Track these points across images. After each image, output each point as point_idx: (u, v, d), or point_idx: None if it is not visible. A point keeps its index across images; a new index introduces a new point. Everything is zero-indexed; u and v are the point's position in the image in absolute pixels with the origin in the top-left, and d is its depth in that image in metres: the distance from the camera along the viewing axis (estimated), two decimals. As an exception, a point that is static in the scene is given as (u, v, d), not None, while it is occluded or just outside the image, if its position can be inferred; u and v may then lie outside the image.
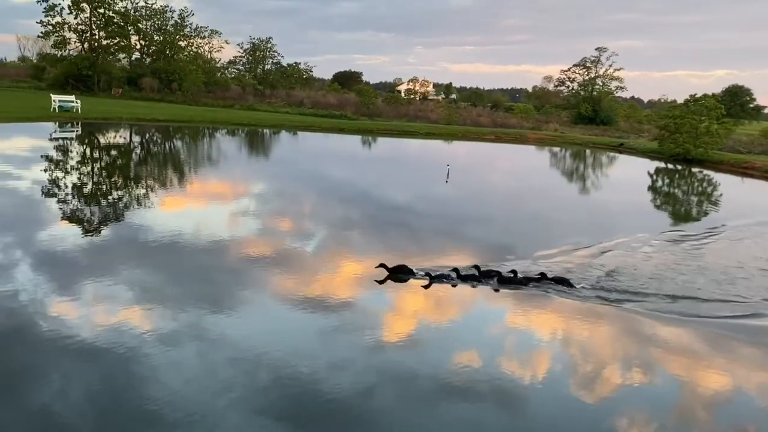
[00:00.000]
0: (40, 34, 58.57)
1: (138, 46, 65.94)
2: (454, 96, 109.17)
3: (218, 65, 74.84)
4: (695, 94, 38.45)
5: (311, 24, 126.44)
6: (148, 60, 66.75)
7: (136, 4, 63.32)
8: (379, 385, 6.38)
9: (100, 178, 19.99)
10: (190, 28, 68.49)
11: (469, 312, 9.19)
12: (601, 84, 69.39)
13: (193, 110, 48.38)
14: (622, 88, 69.49)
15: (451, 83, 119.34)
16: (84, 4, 57.59)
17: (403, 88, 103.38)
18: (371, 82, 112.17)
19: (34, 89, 58.13)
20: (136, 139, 33.25)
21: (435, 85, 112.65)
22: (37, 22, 58.84)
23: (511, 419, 6.14)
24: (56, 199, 15.54)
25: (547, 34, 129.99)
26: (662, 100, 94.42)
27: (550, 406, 6.40)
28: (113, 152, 27.36)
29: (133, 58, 66.43)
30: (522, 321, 8.82)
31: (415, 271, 9.90)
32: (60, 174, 19.52)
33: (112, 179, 20.08)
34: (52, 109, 37.39)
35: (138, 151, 29.00)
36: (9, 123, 32.70)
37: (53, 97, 38.61)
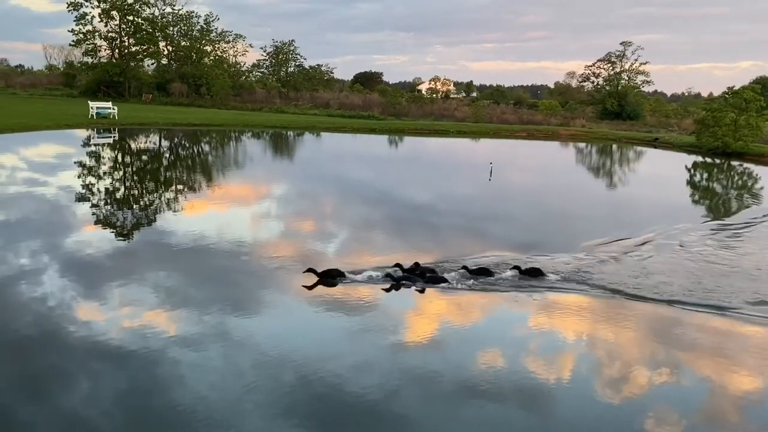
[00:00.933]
0: (72, 43, 59.43)
1: (165, 52, 66.51)
2: (474, 94, 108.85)
3: (243, 69, 75.37)
4: (733, 87, 37.89)
5: (329, 26, 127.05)
6: (175, 65, 67.33)
7: (163, 10, 63.98)
8: (403, 386, 6.32)
9: (145, 182, 20.15)
10: (215, 32, 69.01)
11: (492, 312, 9.00)
12: (626, 78, 68.63)
13: (225, 114, 48.68)
14: (648, 82, 68.65)
15: (471, 81, 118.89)
16: (114, 12, 58.27)
17: (424, 87, 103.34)
18: (390, 82, 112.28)
19: (67, 96, 58.89)
20: (176, 143, 33.50)
21: (455, 84, 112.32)
22: (68, 31, 59.76)
23: (536, 420, 6.00)
24: (92, 203, 15.73)
25: (565, 30, 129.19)
26: (688, 94, 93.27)
27: (576, 407, 6.26)
28: (157, 156, 27.59)
29: (160, 64, 66.96)
30: (546, 320, 8.58)
31: (346, 274, 9.40)
32: (106, 178, 19.73)
33: (158, 182, 20.23)
34: (90, 116, 37.82)
35: (180, 154, 29.22)
36: (51, 130, 33.13)
37: (91, 104, 39.06)
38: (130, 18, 59.18)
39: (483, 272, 9.98)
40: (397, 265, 9.71)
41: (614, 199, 22.37)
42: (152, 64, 66.83)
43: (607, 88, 68.77)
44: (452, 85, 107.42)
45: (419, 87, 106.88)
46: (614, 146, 43.39)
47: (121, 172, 21.95)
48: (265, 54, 79.72)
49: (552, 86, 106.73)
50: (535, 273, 10.05)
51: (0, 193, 16.03)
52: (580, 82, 75.47)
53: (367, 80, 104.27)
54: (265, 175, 23.41)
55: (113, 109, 39.01)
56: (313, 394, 5.99)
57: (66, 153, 26.89)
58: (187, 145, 32.93)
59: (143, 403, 5.68)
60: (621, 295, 9.42)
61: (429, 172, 26.40)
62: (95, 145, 30.35)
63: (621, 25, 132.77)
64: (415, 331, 7.84)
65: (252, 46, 75.16)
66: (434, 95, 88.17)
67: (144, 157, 27.18)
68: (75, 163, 23.44)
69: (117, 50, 59.87)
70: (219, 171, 23.56)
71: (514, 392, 6.32)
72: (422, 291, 9.21)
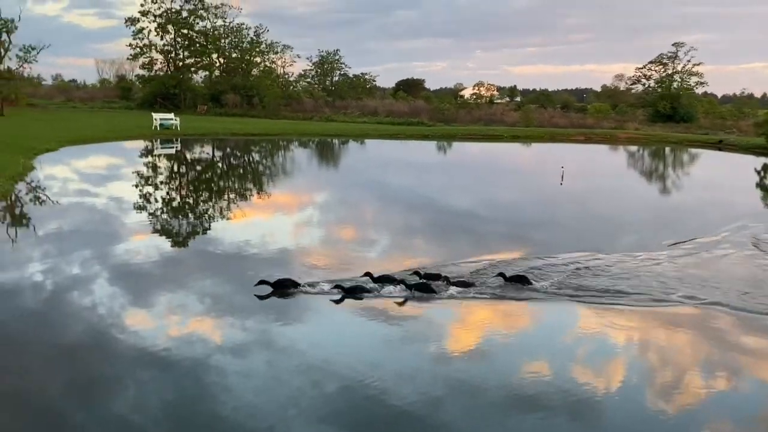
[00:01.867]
0: (129, 56, 61.20)
1: (217, 64, 67.88)
2: (518, 99, 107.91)
3: (290, 79, 76.39)
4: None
5: (369, 34, 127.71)
6: (226, 76, 68.61)
7: (215, 23, 65.36)
8: (446, 395, 6.20)
9: (214, 190, 20.56)
10: (265, 44, 70.13)
11: (537, 321, 8.72)
12: (679, 80, 67.09)
13: (279, 124, 49.41)
14: (702, 83, 66.95)
15: (515, 86, 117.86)
16: (169, 26, 59.79)
17: (467, 92, 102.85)
18: (431, 89, 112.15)
19: (125, 109, 60.64)
20: (238, 152, 34.10)
21: (498, 89, 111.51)
22: (126, 45, 61.53)
23: (584, 430, 5.83)
24: (152, 211, 16.15)
25: (610, 32, 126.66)
26: (741, 95, 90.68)
27: (627, 417, 6.02)
28: (219, 165, 28.17)
29: (213, 76, 68.35)
30: (594, 328, 8.28)
31: (300, 284, 9.08)
32: (172, 186, 20.22)
33: (227, 190, 20.62)
34: (154, 127, 38.87)
35: (243, 163, 29.73)
36: (119, 141, 34.18)
37: (154, 115, 40.15)
38: (185, 31, 60.63)
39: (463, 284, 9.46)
40: (367, 273, 9.26)
41: (694, 201, 21.88)
42: (204, 76, 68.36)
43: (659, 90, 67.34)
44: (495, 90, 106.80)
45: (461, 92, 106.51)
46: (678, 149, 42.38)
47: (184, 181, 22.47)
48: (310, 64, 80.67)
49: (597, 89, 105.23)
50: (520, 280, 9.54)
51: (81, 198, 16.62)
52: (630, 85, 74.15)
53: (410, 87, 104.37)
54: (339, 182, 23.63)
55: (176, 120, 40.03)
56: (356, 403, 5.95)
57: (136, 162, 27.67)
58: (250, 154, 33.48)
59: (190, 409, 5.73)
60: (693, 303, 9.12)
61: (500, 178, 26.27)
62: (160, 155, 31.15)
63: (669, 25, 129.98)
64: (457, 340, 7.73)
65: (299, 56, 76.06)
66: (479, 100, 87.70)
67: (207, 166, 27.76)
68: (142, 171, 24.10)
69: (172, 63, 61.34)
70: (284, 179, 23.90)
71: (562, 402, 6.12)
72: (339, 301, 8.75)
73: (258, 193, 20.29)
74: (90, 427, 5.42)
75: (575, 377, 6.69)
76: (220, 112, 58.82)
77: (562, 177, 23.36)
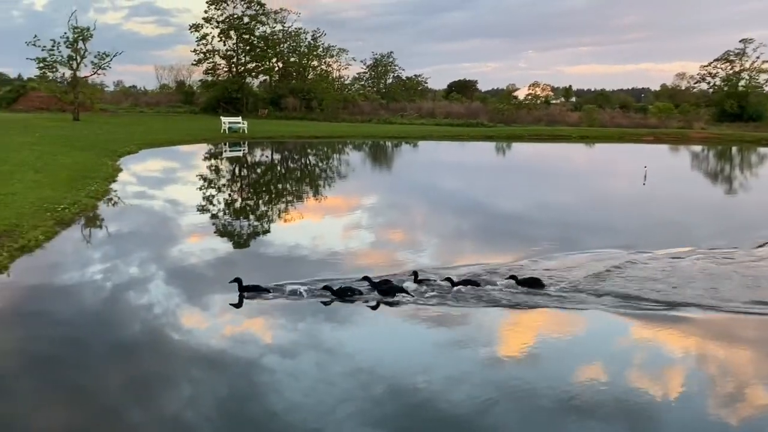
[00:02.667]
0: (194, 62, 62.61)
1: (276, 68, 68.82)
2: (573, 99, 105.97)
3: (346, 82, 76.87)
4: None
5: (418, 36, 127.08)
6: (284, 80, 69.51)
7: (274, 28, 66.25)
8: (497, 400, 5.98)
9: (283, 191, 20.69)
10: (322, 47, 70.73)
11: (590, 325, 8.28)
12: (747, 78, 64.55)
13: (340, 126, 49.77)
14: (772, 81, 64.16)
15: (570, 86, 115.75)
16: (231, 32, 60.99)
17: (522, 93, 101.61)
18: (482, 90, 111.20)
19: (189, 113, 62.12)
20: (306, 154, 34.40)
21: (552, 89, 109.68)
22: (191, 51, 62.94)
23: None
24: (220, 211, 16.30)
25: (666, 30, 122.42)
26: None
27: (686, 426, 5.70)
28: (291, 166, 28.44)
29: (272, 80, 69.34)
30: (649, 335, 7.82)
31: (269, 288, 8.70)
32: (242, 186, 20.47)
33: (302, 190, 20.74)
34: (222, 131, 39.65)
35: (312, 164, 29.94)
36: (191, 144, 35.02)
37: (223, 119, 40.97)
38: (246, 36, 61.70)
39: (534, 283, 9.11)
40: (366, 278, 8.96)
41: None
42: (263, 80, 69.38)
43: (725, 88, 64.95)
44: (550, 91, 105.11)
45: (515, 93, 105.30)
46: (751, 149, 40.74)
47: (260, 182, 22.74)
48: (364, 67, 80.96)
49: (654, 89, 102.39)
50: (533, 284, 9.11)
51: (167, 198, 17.00)
52: (694, 83, 71.74)
53: (462, 88, 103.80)
54: (414, 183, 23.54)
55: (243, 123, 40.76)
56: (405, 406, 5.84)
57: (213, 163, 28.23)
58: (319, 156, 33.72)
59: (241, 408, 5.73)
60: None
61: (579, 178, 25.69)
62: (231, 157, 31.69)
63: (728, 21, 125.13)
64: (508, 345, 7.48)
65: (355, 59, 76.42)
66: (535, 101, 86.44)
67: (278, 168, 28.07)
68: (221, 172, 24.54)
69: (234, 68, 62.52)
70: (354, 180, 23.95)
71: (617, 409, 5.88)
72: (375, 307, 8.44)
73: (331, 195, 20.36)
74: (146, 424, 5.51)
75: (630, 384, 6.43)
76: (279, 115, 59.61)
77: (645, 177, 22.69)
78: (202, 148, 33.82)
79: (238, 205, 17.72)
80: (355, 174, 25.90)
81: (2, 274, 9.39)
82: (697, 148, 41.17)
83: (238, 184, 21.93)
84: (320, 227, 14.48)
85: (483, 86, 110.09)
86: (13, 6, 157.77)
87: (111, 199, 16.39)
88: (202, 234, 13.23)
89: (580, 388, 6.23)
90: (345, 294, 8.59)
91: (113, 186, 18.32)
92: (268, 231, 14.07)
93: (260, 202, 18.56)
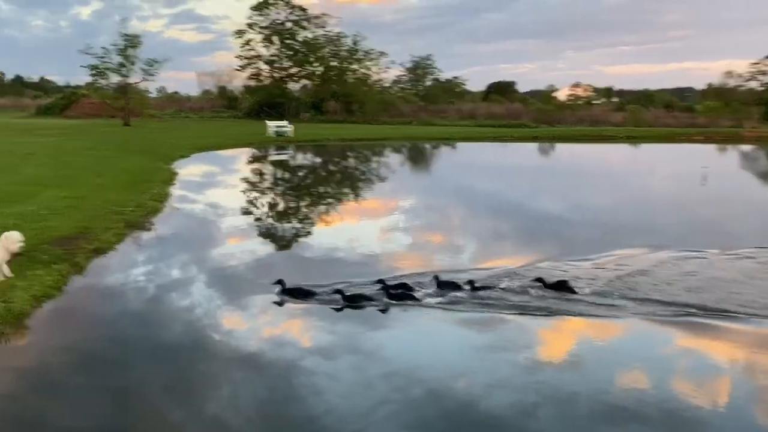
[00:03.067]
0: (238, 67, 63.55)
1: (317, 72, 69.32)
2: (615, 99, 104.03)
3: (386, 85, 76.96)
4: None
5: (456, 38, 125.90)
6: (325, 84, 69.97)
7: (315, 32, 66.80)
8: (538, 404, 5.75)
9: (328, 191, 20.66)
10: (362, 51, 70.96)
11: (633, 329, 7.82)
12: (801, 75, 62.36)
13: (384, 129, 49.84)
14: (828, 77, 61.87)
15: (612, 86, 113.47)
16: (274, 37, 61.71)
17: (563, 94, 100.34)
18: (521, 91, 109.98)
19: (233, 118, 63.00)
20: (354, 155, 34.43)
21: (593, 89, 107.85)
22: (235, 57, 63.94)
23: None
24: (266, 214, 16.31)
25: (711, 27, 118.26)
26: None
27: None
28: (340, 168, 28.49)
29: (313, 84, 69.87)
30: (694, 340, 7.45)
31: (313, 290, 8.46)
32: (284, 190, 20.50)
33: (346, 190, 20.68)
34: (269, 135, 40.05)
35: (362, 166, 29.92)
36: (240, 147, 35.41)
37: (269, 123, 41.41)
38: (288, 41, 62.32)
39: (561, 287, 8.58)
40: (380, 281, 8.56)
41: None
42: (303, 85, 69.97)
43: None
44: (592, 91, 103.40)
45: (554, 93, 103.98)
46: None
47: (310, 183, 22.78)
48: (403, 69, 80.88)
49: (699, 87, 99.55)
50: (560, 287, 8.55)
51: (225, 200, 17.14)
52: (743, 82, 69.53)
53: (501, 90, 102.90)
54: (471, 184, 23.31)
55: (290, 127, 41.11)
56: (444, 410, 5.67)
57: (258, 167, 28.47)
58: (364, 158, 33.72)
59: (280, 410, 5.70)
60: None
61: (638, 179, 25.05)
62: (278, 160, 31.93)
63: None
64: (549, 349, 7.23)
65: (394, 62, 76.40)
66: (576, 102, 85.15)
67: (331, 170, 28.13)
68: (275, 174, 24.71)
69: (277, 73, 63.21)
70: (400, 181, 23.82)
71: (662, 416, 5.60)
72: (384, 311, 8.12)
73: (391, 196, 20.27)
74: (187, 424, 5.49)
75: (674, 391, 6.14)
76: (321, 119, 60.01)
77: (705, 177, 22.01)
78: (251, 152, 34.17)
79: (297, 206, 17.78)
80: (408, 175, 25.80)
81: (80, 275, 9.53)
82: (748, 148, 39.86)
83: (293, 187, 22.04)
84: (384, 225, 14.38)
85: (521, 87, 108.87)
86: (61, 16, 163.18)
87: (173, 202, 16.60)
88: (262, 235, 13.35)
89: (622, 393, 6.04)
90: (356, 300, 8.28)
91: (172, 189, 18.57)
92: (330, 232, 14.04)
93: (321, 203, 18.58)
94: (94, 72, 46.59)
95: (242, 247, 12.15)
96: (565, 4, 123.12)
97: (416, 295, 8.45)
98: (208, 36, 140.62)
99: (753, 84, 66.66)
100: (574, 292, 8.49)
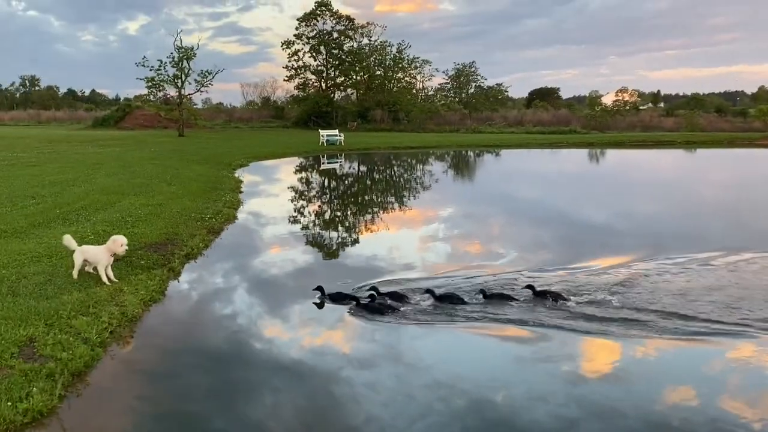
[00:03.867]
0: (286, 78, 64.33)
1: (363, 81, 69.67)
2: (661, 104, 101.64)
3: (430, 93, 76.79)
4: None
5: (496, 45, 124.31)
6: (371, 93, 70.23)
7: (360, 42, 67.17)
8: (580, 419, 5.52)
9: (388, 200, 20.44)
10: (407, 60, 70.98)
11: (679, 343, 7.29)
12: None
13: (433, 137, 49.71)
14: None
15: (659, 91, 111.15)
16: (321, 48, 62.22)
17: (608, 99, 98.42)
18: (564, 97, 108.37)
19: (282, 128, 63.64)
20: (413, 162, 34.25)
21: (639, 94, 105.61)
22: (283, 67, 64.71)
23: None
24: (313, 221, 15.95)
25: (759, 29, 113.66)
26: None
27: None
28: (402, 174, 28.33)
29: (359, 93, 70.22)
30: (746, 355, 6.95)
31: (354, 296, 8.36)
32: (332, 197, 20.34)
33: (405, 195, 20.45)
34: (321, 143, 40.26)
35: (423, 173, 29.73)
36: (293, 157, 35.65)
37: (321, 132, 41.69)
38: (335, 51, 62.74)
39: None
40: (373, 288, 8.49)
41: None
42: (349, 93, 70.33)
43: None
44: (638, 96, 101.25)
45: (600, 99, 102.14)
46: None
47: (371, 189, 22.64)
48: (447, 77, 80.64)
49: (750, 91, 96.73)
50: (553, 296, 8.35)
51: (292, 204, 17.11)
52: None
53: (544, 96, 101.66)
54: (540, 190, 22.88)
55: (340, 136, 41.27)
56: (485, 422, 5.51)
57: (316, 175, 28.53)
58: (417, 165, 33.52)
59: (322, 419, 5.59)
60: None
61: (720, 187, 24.30)
62: (331, 168, 31.99)
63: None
64: (592, 362, 6.90)
65: (438, 70, 76.27)
66: (624, 107, 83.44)
67: (384, 176, 27.99)
68: (332, 180, 24.68)
69: (324, 82, 63.67)
70: (459, 186, 23.47)
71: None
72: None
73: (461, 200, 20.00)
74: (229, 430, 5.41)
75: (724, 407, 5.78)
76: (368, 127, 60.13)
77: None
78: (305, 160, 34.37)
79: (366, 212, 17.68)
80: (471, 180, 25.49)
81: (176, 279, 9.56)
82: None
83: (357, 193, 21.95)
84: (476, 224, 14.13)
85: (565, 93, 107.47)
86: (110, 32, 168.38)
87: (247, 209, 16.70)
88: (332, 240, 13.25)
89: (669, 409, 5.76)
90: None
91: (242, 196, 18.71)
92: (409, 237, 13.85)
93: (386, 209, 18.44)
94: (149, 84, 47.60)
95: (322, 251, 12.08)
96: (608, 9, 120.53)
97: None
98: (250, 48, 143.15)
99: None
100: (565, 299, 8.33)
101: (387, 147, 41.17)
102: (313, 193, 21.80)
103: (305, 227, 14.97)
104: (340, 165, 33.24)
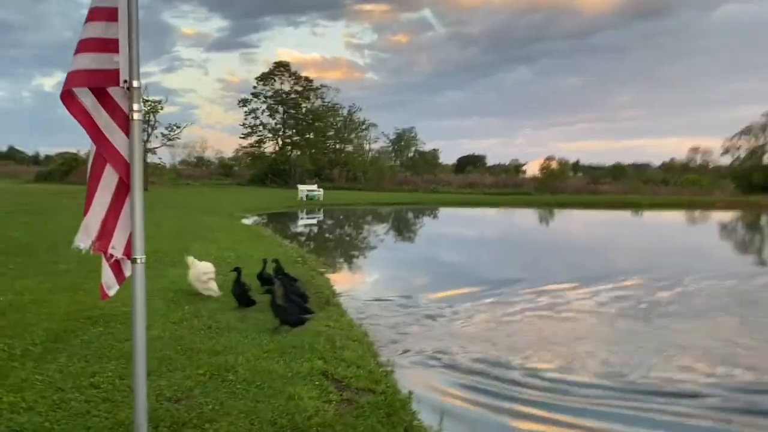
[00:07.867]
0: (242, 135, 62.25)
1: (318, 141, 68.71)
2: (580, 174, 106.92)
3: (375, 155, 76.88)
4: None
5: (420, 114, 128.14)
6: (325, 153, 69.18)
7: (313, 103, 66.49)
8: None
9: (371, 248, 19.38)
10: (357, 122, 70.95)
11: None
12: (772, 150, 65.26)
13: (400, 195, 49.08)
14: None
15: (578, 161, 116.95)
16: (279, 107, 61.07)
17: (535, 166, 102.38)
18: (487, 164, 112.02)
19: (236, 185, 60.87)
20: (393, 217, 33.18)
21: (560, 163, 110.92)
22: (239, 125, 62.72)
23: None
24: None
25: (662, 107, 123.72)
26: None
27: None
28: (393, 227, 27.22)
29: (312, 153, 69.13)
30: None
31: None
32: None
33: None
34: (299, 198, 38.66)
35: (406, 226, 28.71)
36: (279, 210, 33.76)
37: (300, 187, 40.21)
38: (292, 111, 61.78)
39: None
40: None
41: None
42: (306, 152, 68.98)
43: (749, 162, 65.57)
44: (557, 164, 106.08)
45: (524, 167, 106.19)
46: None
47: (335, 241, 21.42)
48: (387, 140, 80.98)
49: (657, 163, 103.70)
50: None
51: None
52: (720, 155, 72.71)
53: (473, 162, 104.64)
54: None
55: (319, 191, 39.93)
56: None
57: (327, 225, 26.94)
58: (401, 219, 32.48)
59: None
60: None
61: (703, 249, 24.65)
62: (308, 223, 30.37)
63: (718, 101, 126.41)
64: None
65: (384, 133, 76.64)
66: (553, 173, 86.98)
67: (374, 229, 26.81)
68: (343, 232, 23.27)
69: (281, 140, 62.25)
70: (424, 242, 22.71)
71: None
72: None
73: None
74: None
75: None
76: (329, 186, 58.78)
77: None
78: (298, 214, 32.56)
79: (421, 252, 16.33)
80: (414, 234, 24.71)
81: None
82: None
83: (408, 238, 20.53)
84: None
85: (489, 161, 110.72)
86: (24, 87, 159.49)
87: (301, 253, 15.00)
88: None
89: None
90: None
91: (283, 242, 17.03)
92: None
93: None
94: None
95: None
96: (522, 84, 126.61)
97: None
98: (173, 108, 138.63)
99: (725, 159, 69.66)
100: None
101: (366, 203, 40.07)
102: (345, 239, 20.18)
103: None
104: (318, 220, 31.70)
